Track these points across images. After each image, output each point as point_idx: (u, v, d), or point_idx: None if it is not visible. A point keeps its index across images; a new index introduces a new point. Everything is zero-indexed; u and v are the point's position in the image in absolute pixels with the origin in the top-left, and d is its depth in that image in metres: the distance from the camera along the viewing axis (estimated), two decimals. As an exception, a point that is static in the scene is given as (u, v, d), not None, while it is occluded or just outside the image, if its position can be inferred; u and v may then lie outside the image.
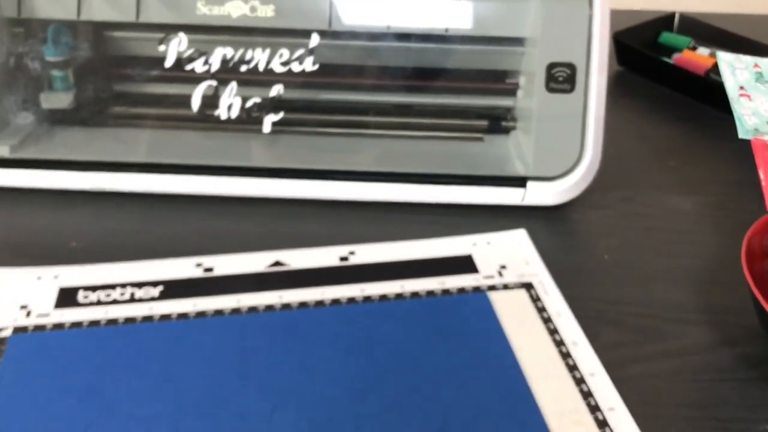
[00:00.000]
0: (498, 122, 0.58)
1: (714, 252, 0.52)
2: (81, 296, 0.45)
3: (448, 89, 0.58)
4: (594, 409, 0.39)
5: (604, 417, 0.39)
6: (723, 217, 0.56)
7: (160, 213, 0.53)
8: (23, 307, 0.44)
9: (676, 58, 0.76)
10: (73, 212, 0.53)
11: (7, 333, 0.42)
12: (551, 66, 0.52)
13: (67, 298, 0.45)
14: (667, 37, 0.80)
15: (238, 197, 0.55)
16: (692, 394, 0.41)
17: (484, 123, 0.58)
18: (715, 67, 0.70)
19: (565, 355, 0.42)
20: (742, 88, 0.48)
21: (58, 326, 0.43)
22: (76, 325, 0.43)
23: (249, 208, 0.54)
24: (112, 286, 0.46)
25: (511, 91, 0.57)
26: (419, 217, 0.54)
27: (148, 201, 0.54)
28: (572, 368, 0.41)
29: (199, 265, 0.48)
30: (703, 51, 0.76)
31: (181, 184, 0.54)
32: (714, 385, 0.42)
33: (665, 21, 0.82)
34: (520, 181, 0.53)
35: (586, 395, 0.40)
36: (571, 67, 0.52)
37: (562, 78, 0.52)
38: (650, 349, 0.44)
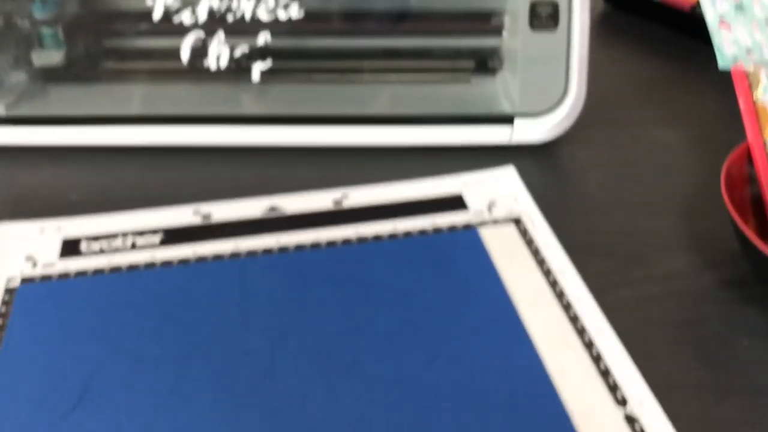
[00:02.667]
0: (484, 63, 0.58)
1: (697, 181, 0.54)
2: (84, 246, 0.47)
3: (435, 31, 0.58)
4: (581, 332, 0.41)
5: (590, 339, 0.40)
6: (706, 148, 0.57)
7: (156, 164, 0.54)
8: (29, 259, 0.46)
9: (661, -6, 0.76)
10: (71, 166, 0.54)
11: (16, 283, 0.44)
12: (534, 4, 0.53)
13: (70, 248, 0.47)
14: (652, -27, 0.80)
15: (231, 146, 0.56)
16: (675, 315, 0.43)
17: (470, 64, 0.59)
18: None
19: (553, 284, 0.44)
20: (722, 19, 0.49)
21: (64, 275, 0.45)
22: (81, 273, 0.45)
23: (243, 156, 0.55)
24: (114, 236, 0.48)
25: (497, 32, 0.58)
26: (410, 159, 0.55)
27: (143, 153, 0.55)
28: (560, 295, 0.43)
29: (197, 212, 0.50)
30: (688, -14, 0.76)
31: (175, 135, 0.55)
32: (696, 306, 0.43)
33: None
34: (507, 120, 0.54)
35: (574, 319, 0.42)
36: (554, 5, 0.52)
37: (545, 15, 0.52)
38: (635, 275, 0.45)
